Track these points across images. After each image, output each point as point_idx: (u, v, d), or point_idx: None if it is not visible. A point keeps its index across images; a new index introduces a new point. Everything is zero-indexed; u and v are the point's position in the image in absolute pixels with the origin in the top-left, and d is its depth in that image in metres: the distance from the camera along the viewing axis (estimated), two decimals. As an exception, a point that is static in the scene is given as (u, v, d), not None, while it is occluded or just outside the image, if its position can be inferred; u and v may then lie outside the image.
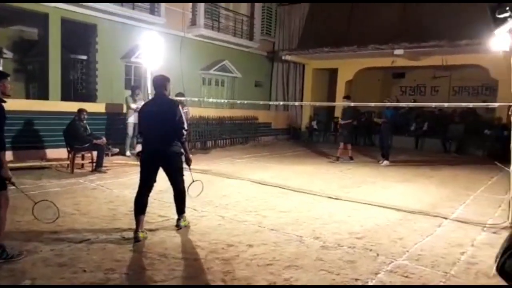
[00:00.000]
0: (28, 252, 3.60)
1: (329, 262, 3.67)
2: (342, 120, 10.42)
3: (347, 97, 10.57)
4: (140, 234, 4.04)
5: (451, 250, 4.06)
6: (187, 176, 4.53)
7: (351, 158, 10.29)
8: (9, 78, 3.65)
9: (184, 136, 4.26)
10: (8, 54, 12.04)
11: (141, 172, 4.25)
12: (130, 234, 4.17)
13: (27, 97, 12.09)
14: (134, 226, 4.24)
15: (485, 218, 5.29)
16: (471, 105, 6.96)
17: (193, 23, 13.22)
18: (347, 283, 3.25)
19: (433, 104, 10.62)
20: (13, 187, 3.75)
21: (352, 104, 9.92)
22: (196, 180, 4.63)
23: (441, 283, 3.32)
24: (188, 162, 4.41)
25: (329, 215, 5.24)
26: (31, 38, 12.10)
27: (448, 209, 5.73)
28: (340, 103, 12.93)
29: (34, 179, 6.75)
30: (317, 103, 10.11)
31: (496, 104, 8.14)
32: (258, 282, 3.23)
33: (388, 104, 10.14)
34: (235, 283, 3.21)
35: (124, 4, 10.89)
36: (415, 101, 15.83)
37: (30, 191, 5.94)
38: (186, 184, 4.47)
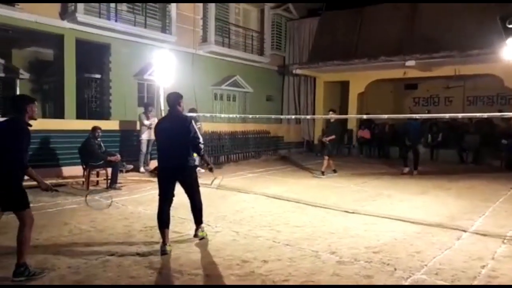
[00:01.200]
0: (46, 270, 3.62)
1: (345, 277, 3.61)
2: (326, 136, 10.24)
3: (332, 110, 10.44)
4: (168, 248, 4.16)
5: (471, 264, 3.96)
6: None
7: (334, 171, 10.12)
8: (36, 102, 3.73)
9: (202, 150, 4.46)
10: (25, 75, 12.35)
11: (159, 187, 4.38)
12: (146, 251, 4.18)
13: (44, 116, 12.34)
14: (148, 242, 4.28)
15: (505, 230, 5.16)
16: (485, 115, 6.85)
17: (204, 40, 13.42)
18: (365, 299, 3.19)
19: (447, 115, 10.50)
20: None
21: (335, 116, 9.95)
22: (216, 178, 5.04)
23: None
24: (212, 170, 4.78)
25: (345, 229, 5.17)
26: (46, 58, 12.42)
27: (467, 222, 5.61)
28: (352, 116, 12.89)
29: (51, 196, 6.79)
30: (328, 116, 10.10)
31: (511, 114, 7.99)
32: (274, 298, 3.19)
33: (401, 116, 10.14)
34: (251, 299, 3.18)
35: (136, 23, 11.14)
36: (429, 112, 15.68)
37: (48, 208, 6.03)
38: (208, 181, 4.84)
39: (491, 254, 4.27)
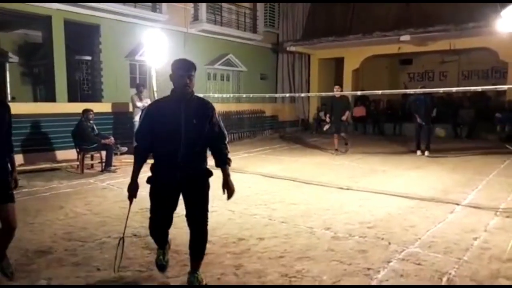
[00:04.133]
0: (43, 253, 3.65)
1: (340, 252, 3.65)
2: (339, 115, 9.87)
3: (338, 85, 10.18)
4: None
5: (463, 236, 4.02)
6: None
7: (336, 150, 9.95)
8: None
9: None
10: (14, 58, 12.14)
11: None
12: (142, 232, 4.20)
13: (35, 100, 12.20)
14: (145, 224, 4.29)
15: (497, 203, 5.23)
16: (479, 88, 6.82)
17: (196, 18, 13.18)
18: (359, 273, 3.24)
19: (441, 90, 10.45)
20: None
21: (340, 93, 9.65)
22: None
23: (454, 269, 3.28)
24: None
25: (340, 206, 5.22)
26: (35, 41, 12.18)
27: (460, 195, 5.67)
28: (347, 92, 12.81)
29: (45, 181, 6.82)
30: (323, 94, 10.03)
31: (505, 87, 7.98)
32: (270, 274, 3.23)
33: (395, 92, 10.07)
34: (247, 276, 3.22)
35: (126, 2, 10.88)
36: (423, 87, 15.62)
37: (42, 193, 6.02)
38: None
39: (484, 226, 4.33)
